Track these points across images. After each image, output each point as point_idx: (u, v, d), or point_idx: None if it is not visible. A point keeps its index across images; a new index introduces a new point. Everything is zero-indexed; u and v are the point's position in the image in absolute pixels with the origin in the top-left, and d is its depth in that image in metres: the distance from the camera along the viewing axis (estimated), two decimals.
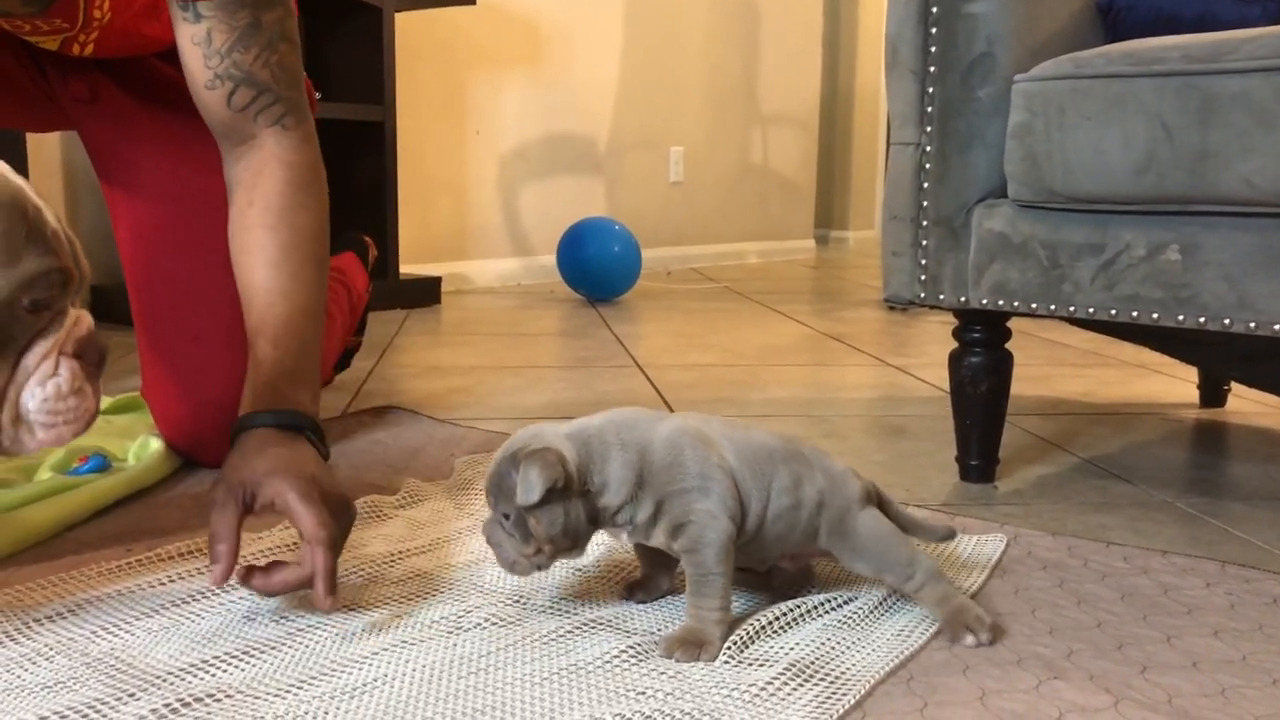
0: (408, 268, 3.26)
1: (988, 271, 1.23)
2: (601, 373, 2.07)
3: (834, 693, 0.75)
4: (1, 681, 0.75)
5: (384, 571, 0.98)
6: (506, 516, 0.83)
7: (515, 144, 3.71)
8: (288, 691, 0.75)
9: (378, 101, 2.95)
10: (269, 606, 0.89)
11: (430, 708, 0.73)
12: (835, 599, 0.91)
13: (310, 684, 0.76)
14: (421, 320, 2.80)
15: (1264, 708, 0.76)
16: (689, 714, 0.72)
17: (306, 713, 0.72)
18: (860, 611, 0.89)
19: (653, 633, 0.85)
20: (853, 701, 0.75)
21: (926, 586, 0.86)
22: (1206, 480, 1.37)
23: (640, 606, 0.91)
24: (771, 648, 0.83)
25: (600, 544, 1.03)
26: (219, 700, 0.73)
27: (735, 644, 0.82)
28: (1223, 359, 1.49)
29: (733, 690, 0.75)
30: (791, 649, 0.82)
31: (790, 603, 0.89)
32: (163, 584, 0.93)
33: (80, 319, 0.76)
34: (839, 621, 0.87)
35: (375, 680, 0.76)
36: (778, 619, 0.87)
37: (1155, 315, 1.14)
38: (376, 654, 0.81)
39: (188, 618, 0.87)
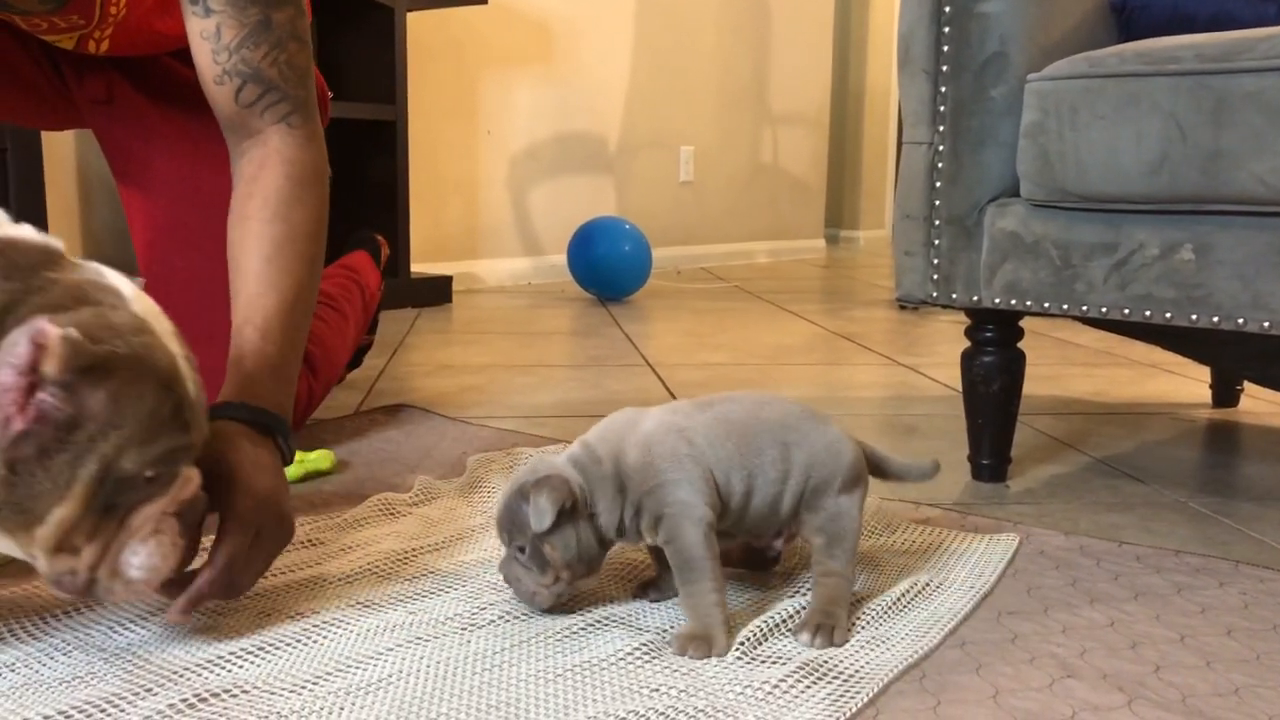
0: (419, 267, 3.27)
1: (1000, 271, 1.23)
2: (612, 372, 2.07)
3: (847, 691, 0.75)
4: (20, 676, 0.76)
5: (397, 569, 0.98)
6: (522, 550, 0.85)
7: (526, 143, 3.71)
8: (303, 687, 0.75)
9: (389, 101, 2.96)
10: (284, 604, 0.89)
11: (443, 704, 0.73)
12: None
13: (325, 680, 0.76)
14: (433, 319, 2.81)
15: (1279, 707, 0.75)
16: (702, 711, 0.72)
17: (321, 708, 0.72)
18: (873, 610, 0.89)
19: (665, 630, 0.85)
20: (866, 699, 0.75)
21: (845, 582, 0.87)
22: (1219, 480, 1.37)
23: (653, 605, 0.91)
24: (785, 646, 0.83)
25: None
26: (235, 695, 0.74)
27: (748, 641, 0.82)
28: (1236, 358, 1.48)
29: (746, 688, 0.75)
30: (804, 647, 0.82)
31: (803, 601, 0.89)
32: None
33: (189, 479, 0.77)
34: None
35: (389, 676, 0.77)
36: (791, 617, 0.87)
37: (1168, 315, 1.13)
38: (390, 650, 0.81)
39: (203, 614, 0.87)
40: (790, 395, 1.87)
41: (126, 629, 0.84)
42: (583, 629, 0.85)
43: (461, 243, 3.54)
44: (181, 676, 0.76)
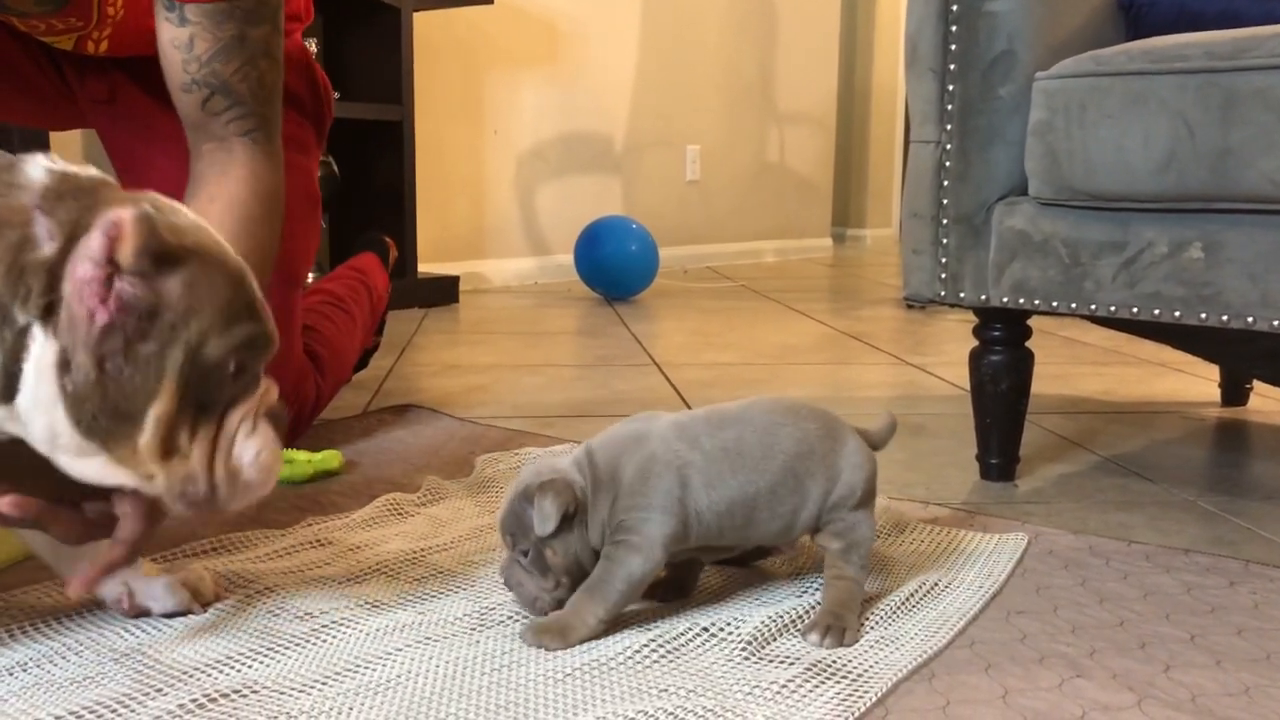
0: (426, 267, 3.27)
1: (1008, 270, 1.23)
2: (619, 371, 2.07)
3: (856, 690, 0.75)
4: (30, 677, 0.76)
5: (406, 569, 0.98)
6: (525, 554, 0.84)
7: (533, 143, 3.71)
8: (312, 687, 0.75)
9: (396, 101, 2.96)
10: (293, 604, 0.89)
11: (452, 704, 0.73)
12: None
13: (334, 680, 0.76)
14: (440, 319, 2.81)
15: None
16: (710, 711, 0.72)
17: (331, 708, 0.72)
18: (882, 610, 0.89)
19: (674, 631, 0.85)
20: (874, 699, 0.75)
21: (856, 586, 0.87)
22: (1229, 479, 1.37)
23: (662, 605, 0.91)
24: (793, 646, 0.83)
25: None
26: (244, 695, 0.74)
27: (757, 640, 0.82)
28: (1245, 357, 1.48)
29: (754, 687, 0.75)
30: (813, 647, 0.82)
31: (812, 601, 0.89)
32: None
33: (270, 389, 0.78)
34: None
35: (398, 677, 0.77)
36: (800, 617, 0.87)
37: (1177, 313, 1.13)
38: (399, 651, 0.81)
39: (213, 614, 0.87)
40: (799, 395, 1.87)
41: (136, 630, 0.84)
42: None
43: (468, 243, 3.54)
44: (191, 677, 0.76)
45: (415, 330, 2.59)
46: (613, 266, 3.22)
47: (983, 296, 1.26)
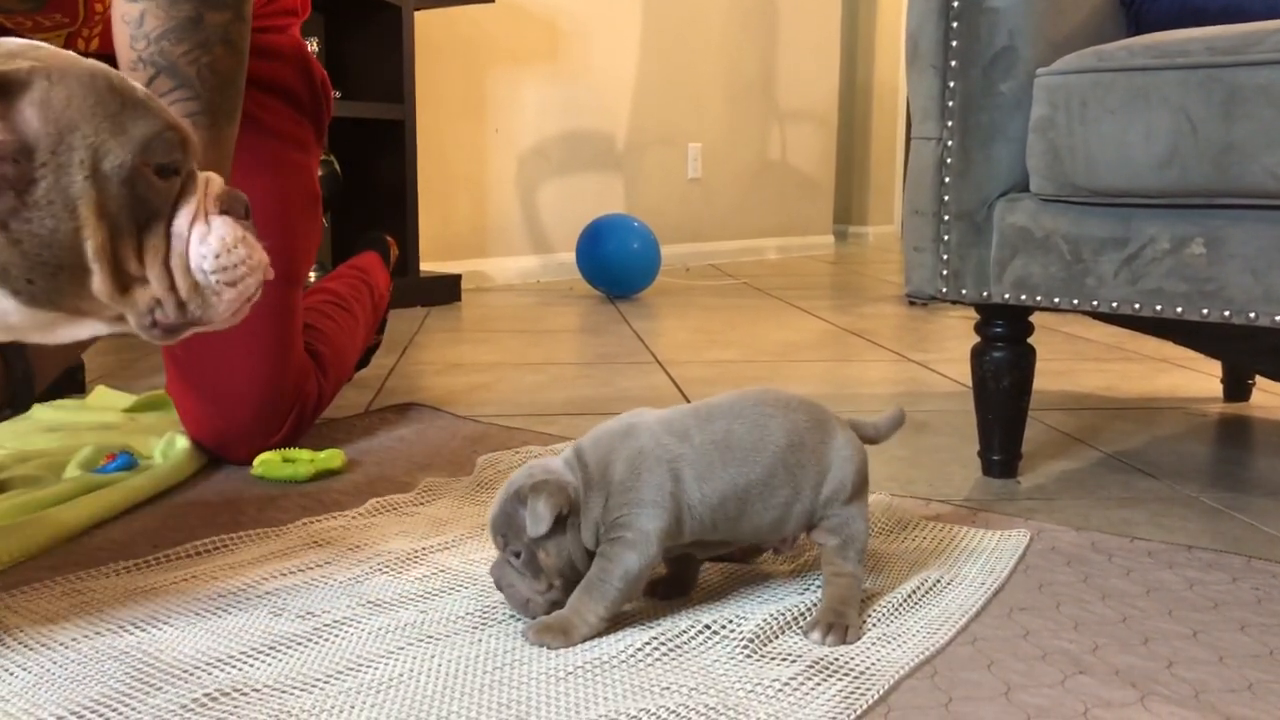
0: (428, 265, 3.27)
1: (1010, 266, 1.23)
2: (622, 369, 2.07)
3: (858, 688, 0.75)
4: (31, 674, 0.76)
5: (408, 568, 0.98)
6: (517, 555, 0.84)
7: (534, 141, 3.71)
8: (314, 686, 0.75)
9: (398, 100, 2.96)
10: (295, 603, 0.89)
11: (454, 703, 0.73)
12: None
13: (336, 679, 0.76)
14: (442, 318, 2.81)
15: None
16: (713, 709, 0.72)
17: (332, 707, 0.72)
18: (884, 607, 0.89)
19: (677, 629, 0.85)
20: (877, 697, 0.74)
21: (855, 582, 0.87)
22: (1231, 475, 1.37)
23: (664, 602, 0.91)
24: (795, 643, 0.83)
25: None
26: (245, 695, 0.74)
27: (759, 638, 0.82)
28: (1247, 353, 1.48)
29: (756, 685, 0.75)
30: (815, 645, 0.82)
31: (813, 599, 0.89)
32: (188, 581, 0.94)
33: (210, 179, 0.73)
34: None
35: (400, 676, 0.77)
36: (801, 615, 0.87)
37: (1179, 309, 1.13)
38: (401, 649, 0.81)
39: (214, 613, 0.87)
40: (801, 392, 1.86)
41: (137, 629, 0.84)
42: None
43: (470, 241, 3.54)
44: (192, 675, 0.76)
45: (417, 329, 2.59)
46: (615, 264, 3.22)
47: (984, 293, 1.26)
